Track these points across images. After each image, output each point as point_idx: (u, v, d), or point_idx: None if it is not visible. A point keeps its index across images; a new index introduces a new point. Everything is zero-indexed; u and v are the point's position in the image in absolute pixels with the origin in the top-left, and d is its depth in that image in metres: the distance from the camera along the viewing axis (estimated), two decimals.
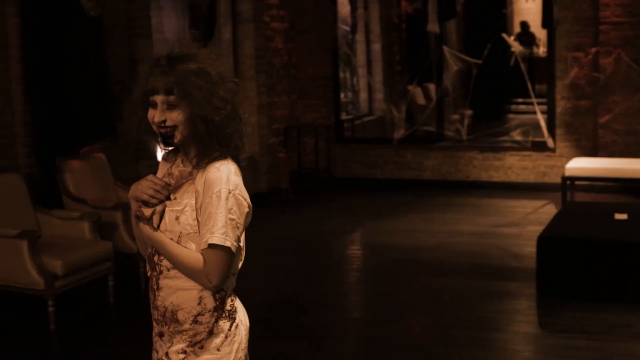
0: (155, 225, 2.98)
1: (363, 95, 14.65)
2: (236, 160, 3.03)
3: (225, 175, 2.92)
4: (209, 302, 2.99)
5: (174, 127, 2.91)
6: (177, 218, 2.96)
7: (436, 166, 12.21)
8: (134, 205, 3.03)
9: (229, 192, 2.90)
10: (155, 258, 3.03)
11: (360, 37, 14.36)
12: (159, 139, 2.96)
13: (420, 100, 13.85)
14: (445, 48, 12.33)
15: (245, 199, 2.97)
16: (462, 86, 13.24)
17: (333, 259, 8.89)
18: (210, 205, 2.89)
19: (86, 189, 7.71)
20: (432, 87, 12.92)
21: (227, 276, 2.99)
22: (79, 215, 7.22)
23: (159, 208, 2.98)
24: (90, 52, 8.04)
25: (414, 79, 13.47)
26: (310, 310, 7.10)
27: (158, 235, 2.97)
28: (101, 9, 8.10)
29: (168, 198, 3.00)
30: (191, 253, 2.94)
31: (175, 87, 2.86)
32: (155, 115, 2.91)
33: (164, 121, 2.90)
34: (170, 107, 2.89)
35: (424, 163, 12.27)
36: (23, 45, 7.53)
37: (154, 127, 2.94)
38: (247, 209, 2.98)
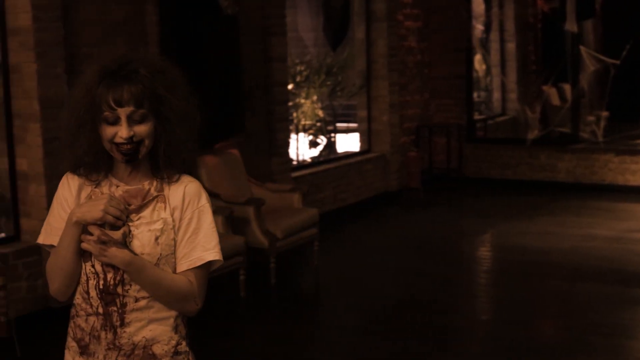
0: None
1: (496, 95, 14.52)
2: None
3: (202, 189, 2.68)
4: (182, 328, 2.71)
5: (140, 142, 2.55)
6: (156, 239, 2.60)
7: (570, 168, 11.99)
8: (76, 231, 2.56)
9: (209, 207, 2.69)
10: (119, 289, 2.60)
11: (494, 36, 14.24)
12: (122, 157, 2.57)
13: (555, 100, 13.61)
14: (582, 48, 12.10)
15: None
16: (598, 87, 12.97)
17: (463, 259, 8.83)
18: (197, 220, 2.64)
19: (220, 183, 7.85)
20: (567, 87, 12.71)
21: None
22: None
23: (125, 230, 2.57)
24: (225, 50, 8.19)
25: (549, 79, 13.26)
26: (438, 311, 7.07)
27: (139, 260, 2.56)
28: (238, 7, 8.23)
29: (127, 219, 2.61)
30: (176, 276, 2.63)
31: (145, 97, 2.52)
32: (120, 132, 2.52)
33: (132, 137, 2.53)
34: (135, 121, 2.53)
35: (558, 165, 12.06)
36: (161, 42, 7.71)
37: (108, 145, 2.56)
38: None
